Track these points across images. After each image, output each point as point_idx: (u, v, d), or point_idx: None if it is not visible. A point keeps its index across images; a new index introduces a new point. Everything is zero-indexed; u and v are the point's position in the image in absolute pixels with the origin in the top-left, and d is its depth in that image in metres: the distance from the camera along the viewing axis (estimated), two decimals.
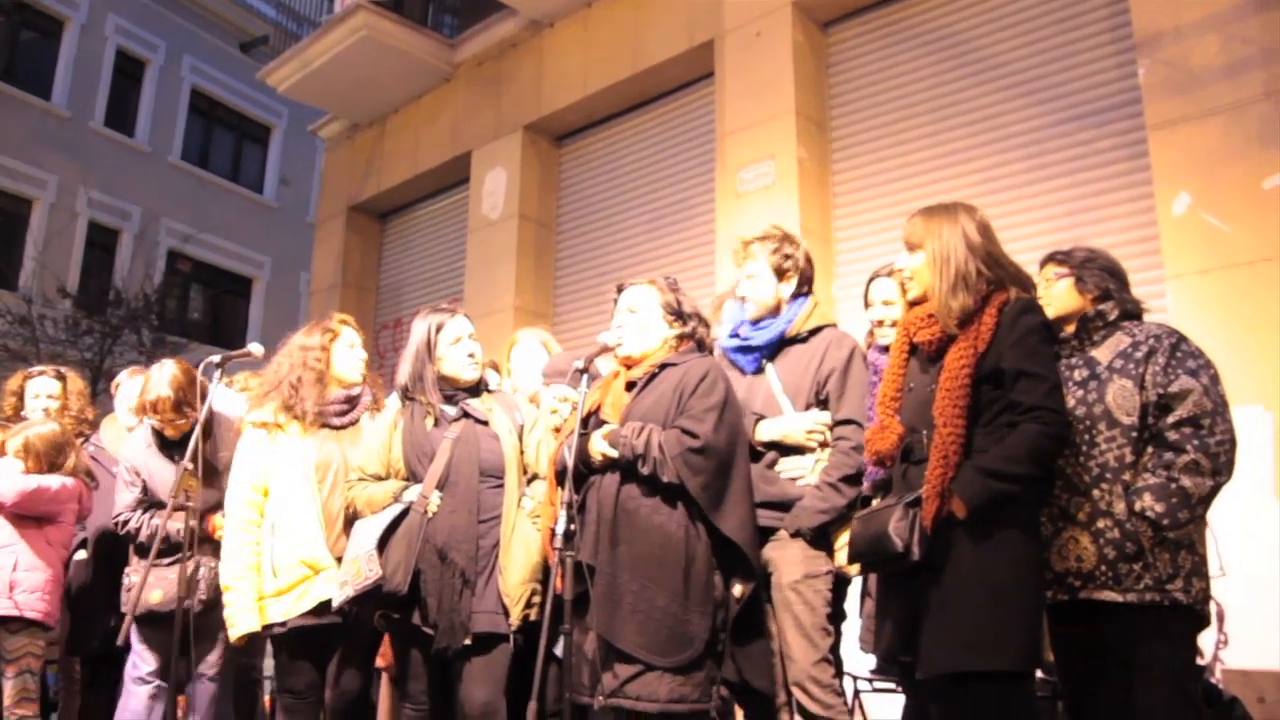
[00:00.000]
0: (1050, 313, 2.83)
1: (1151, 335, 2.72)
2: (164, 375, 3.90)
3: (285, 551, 3.35)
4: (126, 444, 4.16)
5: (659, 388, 2.98)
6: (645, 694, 2.69)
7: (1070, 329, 2.86)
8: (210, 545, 3.78)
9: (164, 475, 3.90)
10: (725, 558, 2.86)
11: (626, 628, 2.73)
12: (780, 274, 3.38)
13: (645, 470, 2.82)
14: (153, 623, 3.74)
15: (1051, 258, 2.97)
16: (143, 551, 3.87)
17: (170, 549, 3.70)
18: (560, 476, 2.93)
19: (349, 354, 3.62)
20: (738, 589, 2.87)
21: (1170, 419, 2.61)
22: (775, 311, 3.38)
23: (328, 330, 3.62)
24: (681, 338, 3.10)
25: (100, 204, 15.08)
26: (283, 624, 3.32)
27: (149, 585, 3.64)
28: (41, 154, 14.46)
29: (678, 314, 3.10)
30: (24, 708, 3.93)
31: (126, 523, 3.92)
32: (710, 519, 2.82)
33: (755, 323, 3.39)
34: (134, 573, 3.85)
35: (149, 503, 3.92)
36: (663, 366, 3.02)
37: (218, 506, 3.82)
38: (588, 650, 2.81)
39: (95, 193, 14.93)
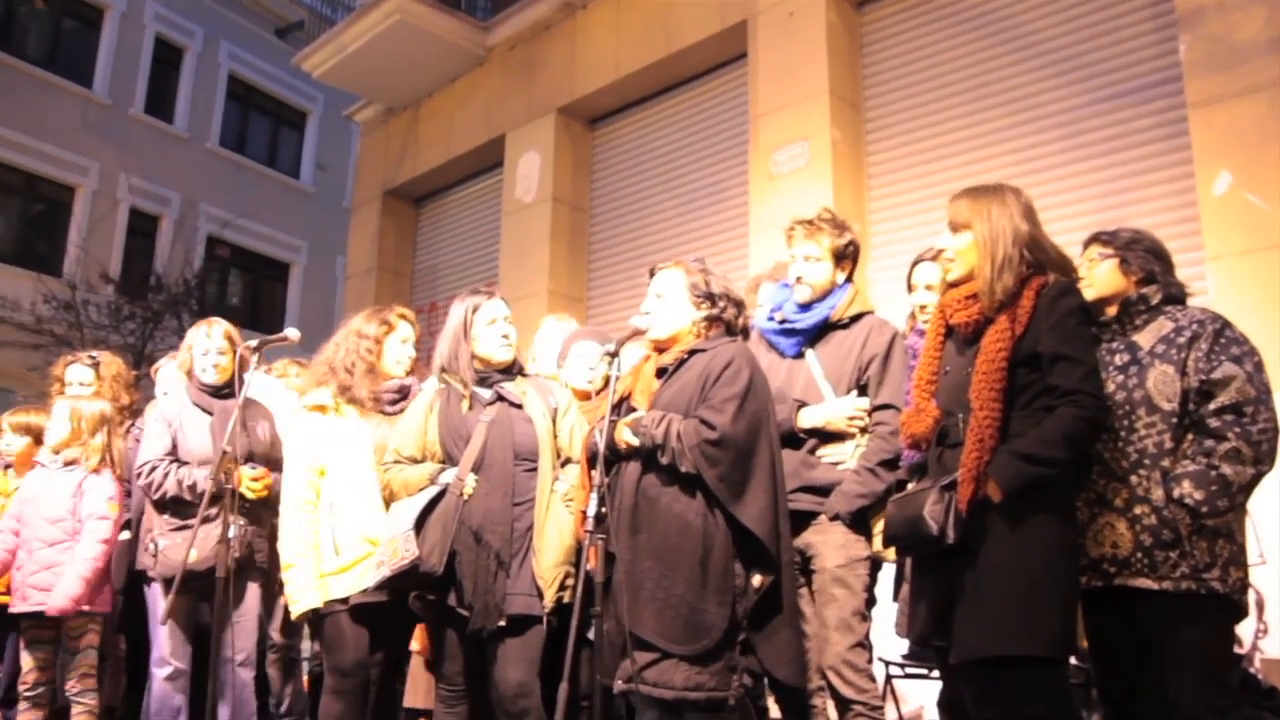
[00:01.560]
0: (1092, 294, 2.80)
1: (1195, 320, 2.67)
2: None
3: (348, 529, 3.40)
4: (167, 396, 4.20)
5: (685, 375, 2.98)
6: (661, 681, 2.71)
7: (1111, 311, 2.82)
8: (236, 501, 3.80)
9: (197, 428, 3.96)
10: (747, 547, 2.85)
11: (644, 614, 2.74)
12: (839, 260, 3.38)
13: (664, 460, 2.82)
14: (185, 585, 3.66)
15: (1096, 238, 2.92)
16: (164, 508, 3.89)
17: (195, 505, 3.72)
18: (593, 460, 2.95)
19: (399, 349, 3.67)
20: (756, 580, 2.86)
21: (1212, 406, 2.57)
22: (822, 296, 3.38)
23: (384, 322, 3.66)
24: (710, 321, 3.08)
25: (141, 190, 15.30)
26: (344, 600, 3.36)
27: (177, 547, 3.68)
28: (83, 141, 14.68)
29: (706, 295, 3.07)
30: (85, 683, 4.04)
31: (153, 470, 3.87)
32: (729, 509, 2.80)
33: (802, 306, 3.38)
34: (160, 536, 3.85)
35: (176, 458, 3.94)
36: (692, 353, 3.01)
37: (248, 458, 3.90)
38: (608, 630, 2.84)
39: (136, 179, 15.15)
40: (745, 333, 3.20)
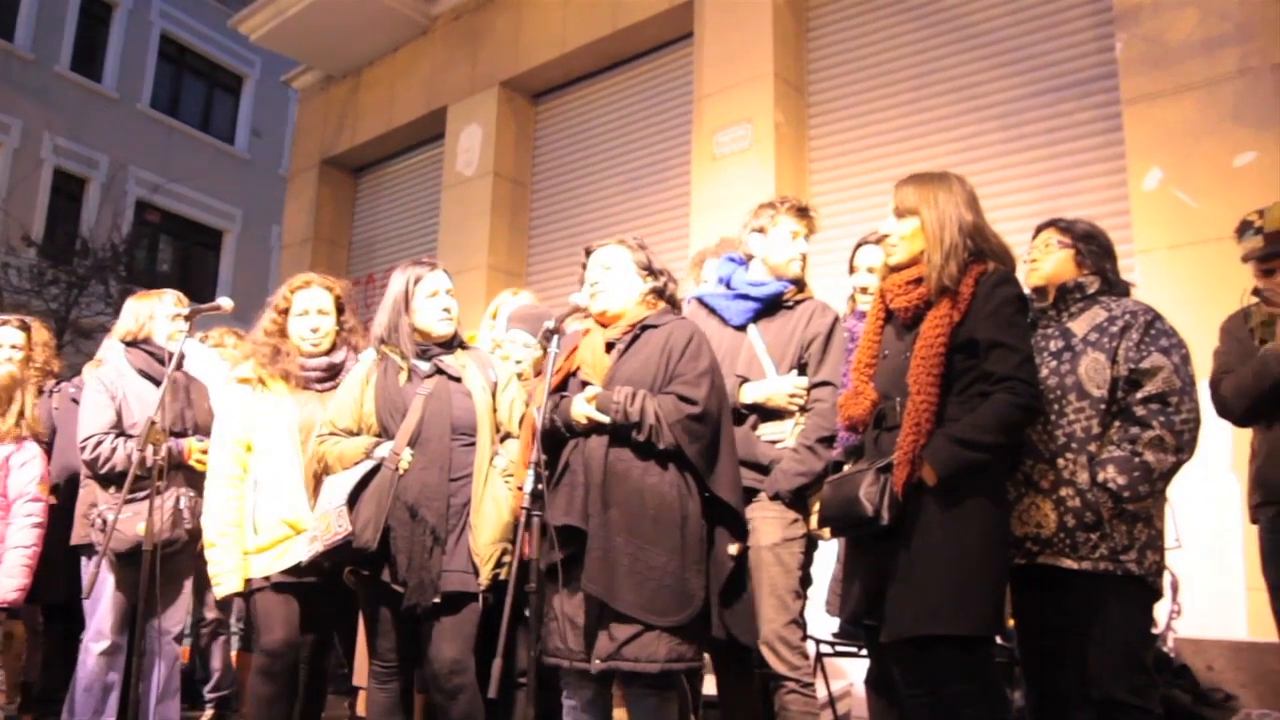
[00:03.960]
0: (1039, 278, 2.88)
1: (1128, 311, 2.75)
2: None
3: (267, 509, 3.34)
4: (103, 366, 4.08)
5: (644, 350, 2.99)
6: (644, 655, 2.71)
7: (1050, 299, 2.89)
8: (184, 473, 3.74)
9: (142, 399, 3.87)
10: (713, 517, 2.91)
11: (624, 589, 2.73)
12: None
13: (641, 436, 2.82)
14: (133, 558, 3.61)
15: (1054, 224, 2.98)
16: (110, 482, 3.80)
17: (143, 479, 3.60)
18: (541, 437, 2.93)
19: (299, 324, 3.53)
20: (734, 548, 2.92)
21: (1139, 394, 2.65)
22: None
23: (285, 300, 3.55)
24: (656, 294, 3.13)
25: (66, 151, 14.81)
26: (265, 579, 3.31)
27: (129, 520, 3.58)
28: (4, 98, 14.15)
29: (650, 270, 3.14)
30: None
31: (99, 444, 3.79)
32: (705, 481, 2.87)
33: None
34: (110, 511, 3.71)
35: (121, 430, 3.85)
36: (644, 328, 3.03)
37: (193, 430, 3.85)
38: (569, 612, 2.83)
39: (61, 139, 14.66)
40: (679, 306, 3.25)
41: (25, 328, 4.64)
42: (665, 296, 3.15)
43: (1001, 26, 6.00)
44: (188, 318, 3.64)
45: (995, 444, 2.47)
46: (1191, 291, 4.54)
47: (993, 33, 6.03)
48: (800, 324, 3.34)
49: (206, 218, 17.08)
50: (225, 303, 3.62)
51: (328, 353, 3.57)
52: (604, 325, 3.12)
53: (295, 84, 11.16)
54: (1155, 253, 4.81)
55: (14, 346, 4.54)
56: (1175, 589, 4.13)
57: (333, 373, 3.54)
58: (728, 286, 3.49)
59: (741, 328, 3.41)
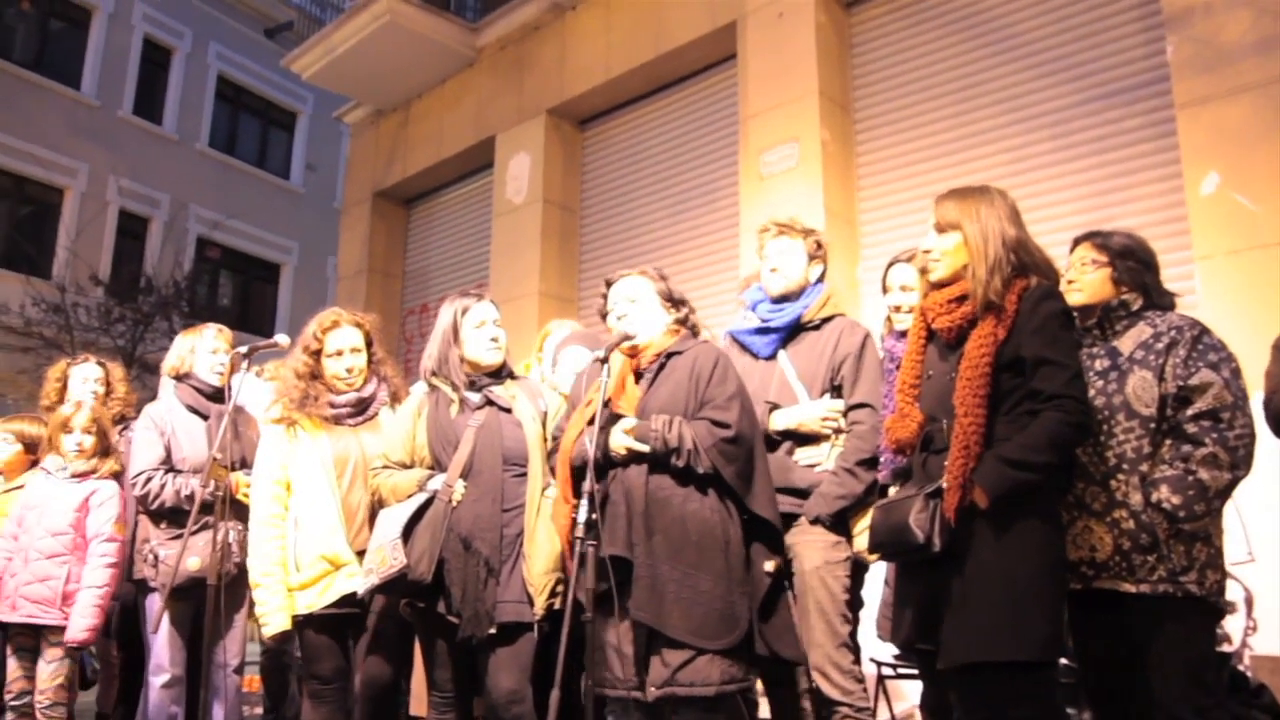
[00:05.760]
0: (1080, 298, 2.81)
1: (1173, 327, 2.69)
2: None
3: (306, 546, 3.40)
4: (154, 402, 4.18)
5: (672, 377, 3.00)
6: (699, 679, 2.72)
7: (1094, 317, 2.83)
8: (234, 507, 3.77)
9: (190, 434, 3.97)
10: (750, 536, 2.92)
11: (673, 616, 2.74)
12: (810, 258, 3.45)
13: (680, 463, 2.83)
14: (185, 592, 3.71)
15: (1089, 239, 2.91)
16: (161, 517, 3.90)
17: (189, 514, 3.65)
18: (575, 470, 2.94)
19: (334, 364, 3.57)
20: (769, 564, 2.91)
21: (1189, 411, 2.59)
22: (797, 294, 3.41)
23: (316, 341, 3.57)
24: (679, 323, 3.16)
25: (130, 192, 15.25)
26: (307, 614, 3.37)
27: (177, 555, 3.62)
28: (72, 143, 14.62)
29: (673, 300, 3.16)
30: (59, 694, 4.00)
31: (149, 480, 3.86)
32: (744, 501, 2.88)
33: (775, 301, 3.42)
34: (160, 546, 3.85)
35: (170, 466, 3.94)
36: (669, 356, 3.05)
37: (239, 463, 3.90)
38: (614, 641, 2.83)
39: (125, 181, 15.10)
40: (698, 332, 3.26)
41: (102, 365, 4.81)
42: (688, 325, 3.17)
43: (1047, 35, 5.93)
44: (247, 355, 3.74)
45: (1046, 463, 2.41)
46: (1253, 297, 4.43)
47: (1038, 41, 5.96)
48: (829, 345, 3.32)
49: (264, 252, 17.43)
50: (283, 340, 3.72)
51: (359, 388, 3.61)
52: (631, 356, 3.13)
53: (347, 119, 11.39)
54: (1214, 259, 4.70)
55: (98, 381, 4.72)
56: (1250, 604, 4.01)
57: (362, 406, 3.59)
58: (755, 311, 3.48)
59: (771, 357, 3.40)
